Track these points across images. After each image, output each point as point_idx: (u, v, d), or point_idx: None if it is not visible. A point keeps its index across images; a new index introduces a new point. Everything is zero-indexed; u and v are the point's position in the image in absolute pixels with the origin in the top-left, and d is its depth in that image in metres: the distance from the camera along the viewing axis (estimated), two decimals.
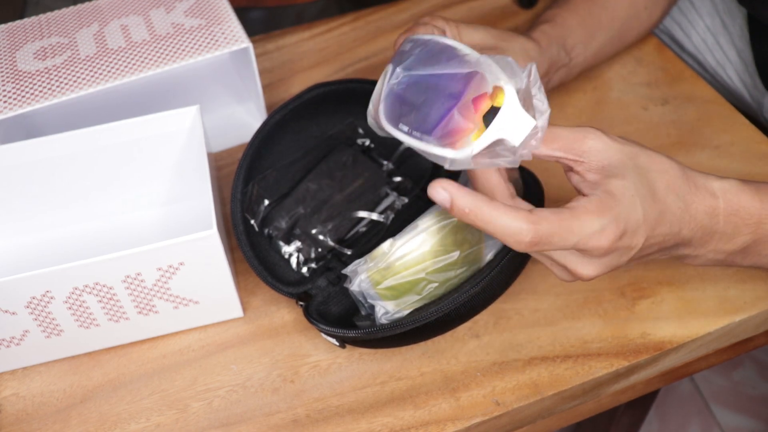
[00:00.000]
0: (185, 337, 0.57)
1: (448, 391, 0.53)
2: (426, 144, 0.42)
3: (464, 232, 0.51)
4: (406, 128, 0.43)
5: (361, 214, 0.59)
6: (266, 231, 0.58)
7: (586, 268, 0.44)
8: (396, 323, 0.49)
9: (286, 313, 0.58)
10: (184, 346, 0.56)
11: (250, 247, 0.56)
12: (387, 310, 0.51)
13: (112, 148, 0.60)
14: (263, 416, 0.52)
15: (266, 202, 0.58)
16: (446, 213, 0.51)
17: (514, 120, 0.41)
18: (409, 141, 0.43)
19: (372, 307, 0.52)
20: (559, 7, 0.70)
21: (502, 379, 0.53)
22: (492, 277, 0.50)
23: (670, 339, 0.55)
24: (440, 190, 0.41)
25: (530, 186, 0.57)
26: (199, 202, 0.63)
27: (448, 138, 0.42)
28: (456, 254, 0.50)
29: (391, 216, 0.59)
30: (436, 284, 0.51)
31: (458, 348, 0.55)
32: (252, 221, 0.57)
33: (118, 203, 0.63)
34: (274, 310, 0.58)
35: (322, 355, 0.55)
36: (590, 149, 0.44)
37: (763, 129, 0.73)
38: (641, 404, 0.96)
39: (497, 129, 0.41)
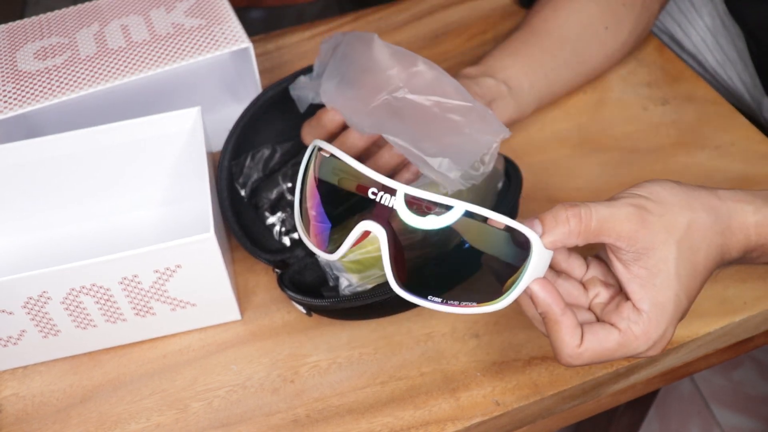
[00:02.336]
0: (185, 337, 0.57)
1: (448, 391, 0.53)
2: (464, 309, 0.43)
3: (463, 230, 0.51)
4: (438, 300, 0.43)
5: None
6: (253, 201, 0.60)
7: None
8: (357, 295, 0.52)
9: (286, 313, 0.58)
10: (184, 346, 0.56)
11: (234, 215, 0.57)
12: (351, 282, 0.53)
13: (112, 149, 0.60)
14: (263, 416, 0.52)
15: (256, 176, 0.60)
16: None
17: (540, 261, 0.42)
18: (438, 308, 0.43)
19: (338, 278, 0.54)
20: (493, 48, 0.68)
21: (502, 379, 0.53)
22: None
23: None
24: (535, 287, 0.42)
25: (510, 178, 0.58)
26: (199, 202, 0.63)
27: (486, 299, 0.43)
28: (447, 247, 0.51)
29: None
30: (427, 268, 0.51)
31: (458, 348, 0.55)
32: (242, 191, 0.59)
33: (118, 204, 0.63)
34: (274, 310, 0.58)
35: (322, 355, 0.55)
36: (635, 231, 0.42)
37: (763, 129, 0.73)
38: (641, 404, 0.96)
39: (528, 278, 0.42)
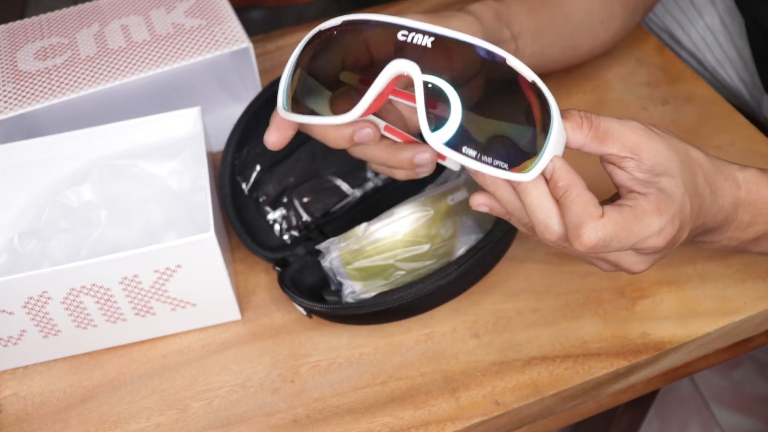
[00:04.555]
0: (185, 337, 0.57)
1: (448, 391, 0.53)
2: (494, 170, 0.41)
3: (438, 227, 0.52)
4: (473, 153, 0.41)
5: (336, 182, 0.61)
6: (255, 195, 0.59)
7: (639, 265, 0.45)
8: (360, 303, 0.52)
9: (286, 313, 0.58)
10: (184, 346, 0.56)
11: (235, 210, 0.57)
12: (354, 289, 0.53)
13: (113, 149, 0.60)
14: (263, 416, 0.52)
15: (258, 167, 0.59)
16: (424, 206, 0.52)
17: (560, 136, 0.41)
18: (473, 165, 0.41)
19: (341, 284, 0.54)
20: None
21: (502, 379, 0.53)
22: (459, 273, 0.52)
23: (669, 339, 0.55)
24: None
25: None
26: (199, 203, 0.63)
27: (516, 165, 0.41)
28: (426, 247, 0.52)
29: (359, 193, 0.62)
30: (403, 272, 0.52)
31: (458, 348, 0.55)
32: (243, 185, 0.59)
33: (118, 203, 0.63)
34: (274, 310, 0.58)
35: (322, 354, 0.55)
36: (639, 145, 0.43)
37: (762, 127, 0.73)
38: (641, 404, 0.96)
39: (551, 150, 0.40)
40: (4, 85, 0.61)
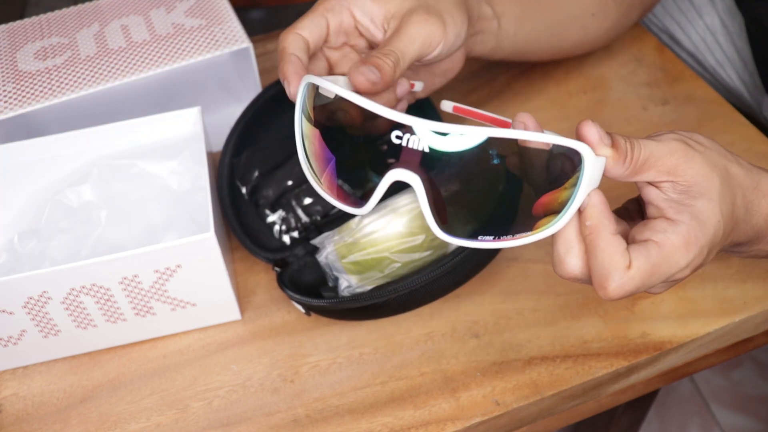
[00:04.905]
0: (185, 337, 0.57)
1: (448, 391, 0.53)
2: (520, 240, 0.39)
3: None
4: (490, 237, 0.40)
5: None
6: (254, 199, 0.60)
7: (658, 288, 0.43)
8: (356, 297, 0.52)
9: (286, 312, 0.58)
10: (184, 346, 0.56)
11: (234, 212, 0.58)
12: (350, 283, 0.53)
13: (113, 149, 0.60)
14: (263, 416, 0.52)
15: (257, 172, 0.60)
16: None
17: (594, 170, 0.38)
18: (495, 245, 0.40)
19: (337, 279, 0.54)
20: None
21: (502, 379, 0.53)
22: (454, 264, 0.52)
23: (669, 339, 0.55)
24: (592, 194, 0.39)
25: (512, 183, 0.58)
26: (199, 203, 0.63)
27: (537, 226, 0.39)
28: (421, 238, 0.52)
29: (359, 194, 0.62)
30: (399, 264, 0.52)
31: (458, 348, 0.55)
32: (243, 188, 0.59)
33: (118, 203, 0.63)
34: (274, 310, 0.58)
35: (322, 354, 0.55)
36: (676, 168, 0.40)
37: (763, 128, 0.73)
38: (641, 404, 0.96)
39: (583, 194, 0.38)
40: (4, 85, 0.61)
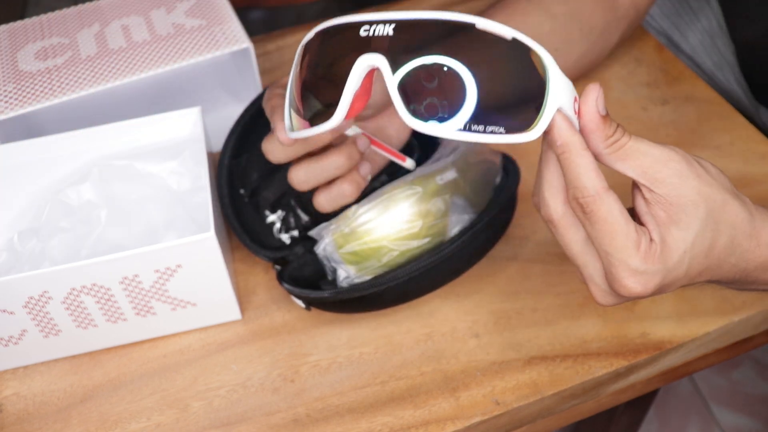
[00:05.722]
0: (186, 336, 0.57)
1: (448, 391, 0.53)
2: (495, 137, 0.37)
3: (428, 204, 0.52)
4: (480, 128, 0.37)
5: None
6: (254, 201, 0.60)
7: (604, 297, 0.42)
8: (355, 287, 0.52)
9: (286, 312, 0.58)
10: (185, 345, 0.56)
11: (234, 213, 0.57)
12: (348, 274, 0.53)
13: (113, 149, 0.60)
14: (263, 416, 0.52)
15: (256, 175, 0.60)
16: (413, 185, 0.53)
17: (562, 84, 0.37)
18: (475, 138, 0.38)
19: (335, 270, 0.54)
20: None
21: (502, 379, 0.53)
22: (453, 250, 0.52)
23: (669, 339, 0.55)
24: (558, 120, 0.38)
25: (508, 173, 0.58)
26: (199, 203, 0.63)
27: (516, 127, 0.37)
28: (419, 224, 0.52)
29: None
30: (397, 252, 0.52)
31: (458, 347, 0.55)
32: (242, 191, 0.59)
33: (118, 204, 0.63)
34: (274, 310, 0.58)
35: (322, 354, 0.55)
36: (665, 180, 0.39)
37: (762, 130, 0.73)
38: (641, 404, 0.96)
39: (554, 103, 0.37)
40: (4, 85, 0.61)
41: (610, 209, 0.39)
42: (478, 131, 0.37)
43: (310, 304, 0.55)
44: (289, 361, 0.55)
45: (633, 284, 0.40)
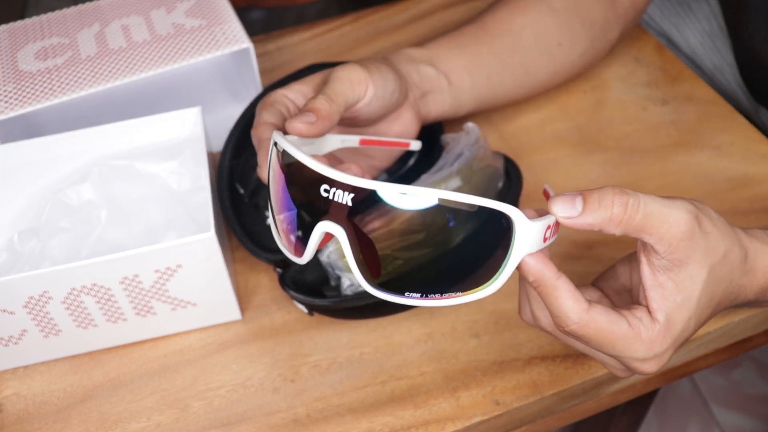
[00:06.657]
0: (186, 336, 0.57)
1: (448, 391, 0.53)
2: (446, 300, 0.39)
3: (433, 216, 0.52)
4: (417, 294, 0.40)
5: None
6: (254, 201, 0.60)
7: (628, 372, 0.44)
8: (359, 295, 0.52)
9: (286, 312, 0.58)
10: (185, 345, 0.56)
11: (234, 214, 0.57)
12: (352, 282, 0.53)
13: (113, 149, 0.60)
14: (264, 416, 0.52)
15: (256, 174, 0.59)
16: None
17: (527, 237, 0.38)
18: (418, 303, 0.40)
19: (339, 278, 0.54)
20: (442, 36, 0.64)
21: (502, 379, 0.53)
22: None
23: None
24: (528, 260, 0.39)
25: (511, 177, 0.58)
26: (199, 203, 0.63)
27: (472, 286, 0.39)
28: (422, 235, 0.51)
29: None
30: (401, 261, 0.52)
31: (458, 348, 0.55)
32: (242, 191, 0.59)
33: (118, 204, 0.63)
34: (274, 310, 0.58)
35: (322, 354, 0.55)
36: (678, 245, 0.40)
37: (762, 130, 0.73)
38: (640, 404, 0.96)
39: (518, 255, 0.38)
40: (4, 85, 0.61)
41: (598, 327, 0.40)
42: (435, 298, 0.39)
43: (313, 309, 0.55)
44: (289, 361, 0.55)
45: (649, 368, 0.42)
